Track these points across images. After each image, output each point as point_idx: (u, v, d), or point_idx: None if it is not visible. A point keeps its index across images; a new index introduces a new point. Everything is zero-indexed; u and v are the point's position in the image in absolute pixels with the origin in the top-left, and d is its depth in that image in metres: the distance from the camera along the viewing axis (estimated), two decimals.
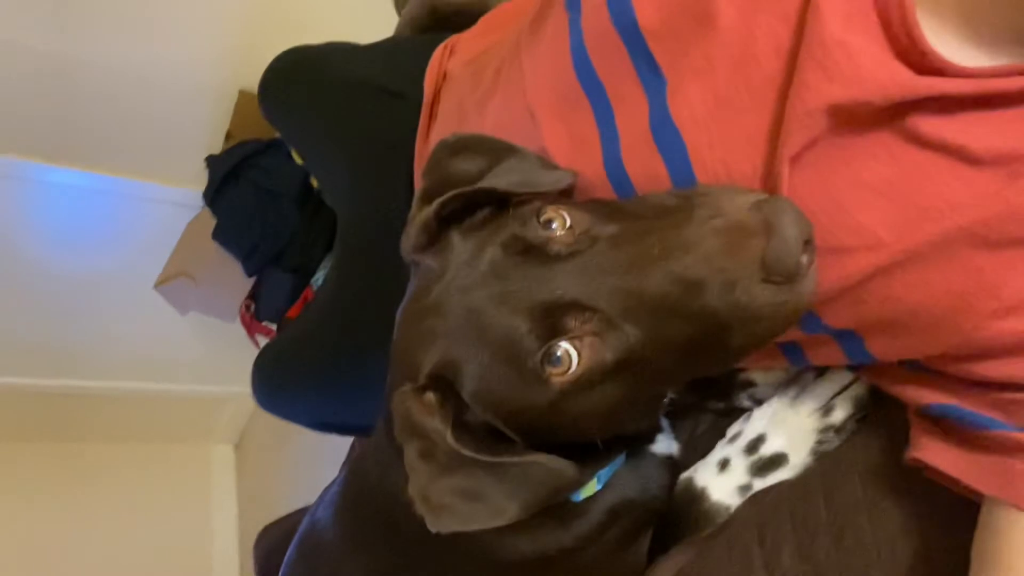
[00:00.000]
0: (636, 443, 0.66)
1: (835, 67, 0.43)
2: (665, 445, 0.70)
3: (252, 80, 1.96)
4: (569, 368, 0.46)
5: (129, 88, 1.81)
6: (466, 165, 0.58)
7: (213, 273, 1.94)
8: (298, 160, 1.87)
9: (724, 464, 0.67)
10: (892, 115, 0.44)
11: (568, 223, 0.49)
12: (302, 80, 1.12)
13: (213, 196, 1.83)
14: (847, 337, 0.53)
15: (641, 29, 0.52)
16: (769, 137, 0.47)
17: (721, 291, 0.42)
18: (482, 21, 0.91)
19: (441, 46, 0.94)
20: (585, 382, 0.47)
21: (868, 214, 0.46)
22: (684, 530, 0.69)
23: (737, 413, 0.71)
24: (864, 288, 0.48)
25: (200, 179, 2.00)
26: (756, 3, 0.48)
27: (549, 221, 0.49)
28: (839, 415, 0.62)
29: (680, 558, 0.68)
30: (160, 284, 1.92)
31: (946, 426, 0.51)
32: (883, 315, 0.49)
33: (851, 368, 0.62)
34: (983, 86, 0.42)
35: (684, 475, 0.70)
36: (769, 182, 0.48)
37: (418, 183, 0.93)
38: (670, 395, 0.69)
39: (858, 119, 0.45)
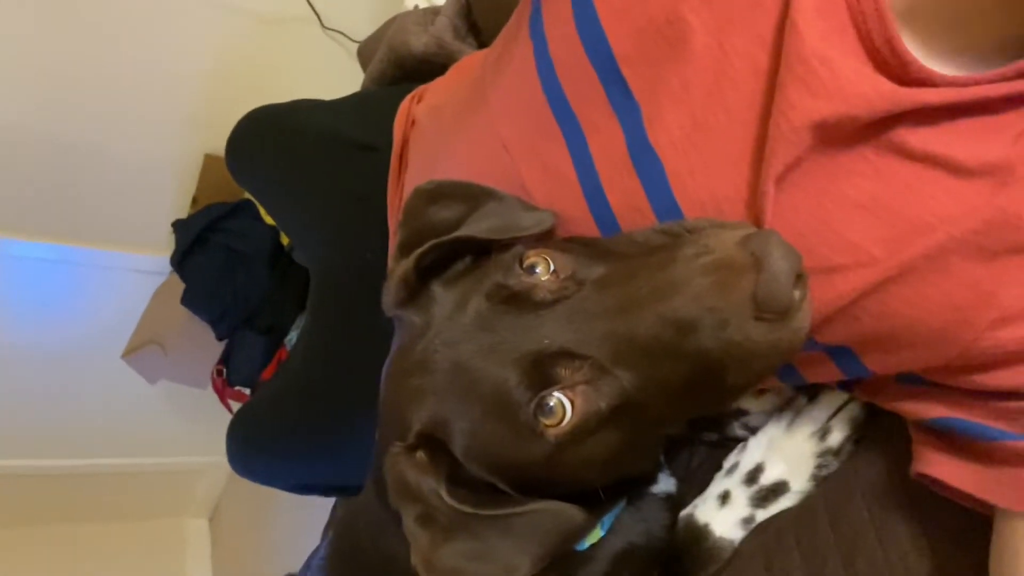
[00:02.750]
0: (638, 486, 0.64)
1: (817, 83, 0.43)
2: (664, 484, 0.68)
3: (217, 144, 1.96)
4: (563, 418, 0.45)
5: (92, 157, 1.80)
6: (443, 213, 0.57)
7: (182, 340, 1.89)
8: (267, 220, 1.86)
9: (724, 497, 0.65)
10: (876, 129, 0.44)
11: (552, 267, 0.48)
12: (270, 136, 1.11)
13: (180, 261, 1.80)
14: (842, 354, 0.52)
15: (614, 55, 0.52)
16: (752, 159, 0.47)
17: (713, 331, 0.41)
18: (452, 69, 0.92)
19: (409, 95, 0.94)
20: (581, 431, 0.45)
21: (857, 231, 0.46)
22: (690, 570, 0.66)
23: (731, 443, 0.70)
24: (858, 305, 0.47)
25: (167, 245, 1.97)
26: (729, 26, 0.48)
27: (532, 266, 0.48)
28: (836, 437, 0.61)
29: None
30: (128, 354, 1.87)
31: (951, 439, 0.50)
32: (879, 331, 0.48)
33: (844, 387, 0.61)
34: (967, 94, 0.42)
35: (684, 512, 0.68)
36: (754, 205, 0.48)
37: (392, 233, 0.93)
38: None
39: (842, 135, 0.45)
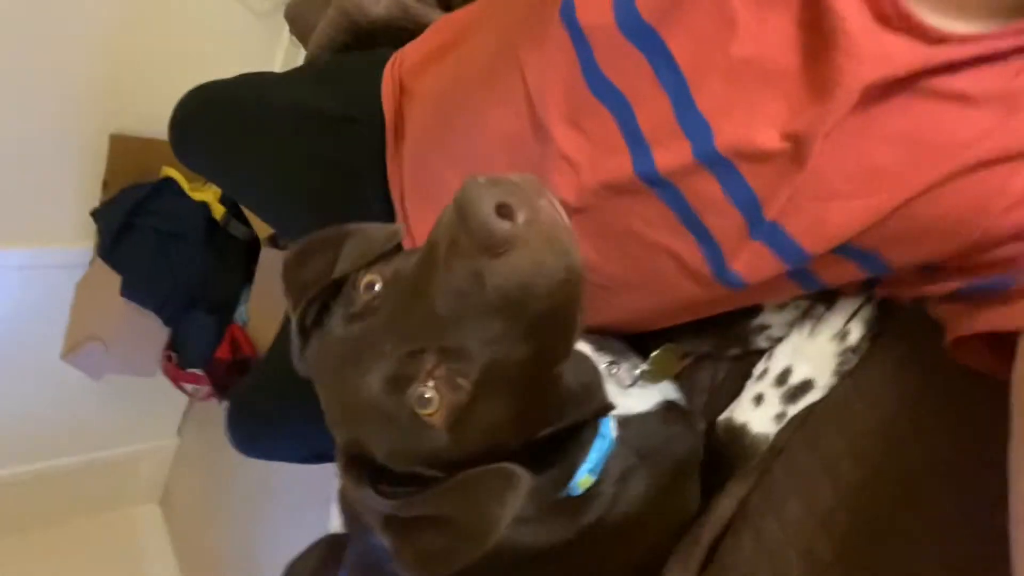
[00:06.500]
0: (589, 423, 0.65)
1: (860, 51, 0.51)
2: (649, 397, 0.75)
3: (123, 123, 1.85)
4: (439, 405, 0.49)
5: None
6: (315, 266, 0.61)
7: (123, 332, 1.83)
8: (194, 196, 1.79)
9: (759, 399, 0.76)
10: (908, 81, 0.53)
11: (382, 281, 0.53)
12: (228, 113, 1.06)
13: (110, 251, 1.72)
14: (863, 255, 0.61)
15: (660, 37, 0.58)
16: (790, 117, 0.55)
17: (479, 287, 0.44)
18: (432, 32, 0.92)
19: (388, 64, 0.94)
20: (462, 408, 0.49)
21: (892, 162, 0.54)
22: (733, 466, 0.77)
23: (753, 356, 0.80)
24: (888, 218, 0.56)
25: (80, 235, 1.87)
26: (763, 5, 0.55)
27: (371, 284, 0.53)
28: (854, 336, 0.72)
29: (738, 489, 0.76)
30: (68, 354, 1.79)
31: (971, 301, 0.58)
32: (901, 233, 0.57)
33: (867, 285, 0.70)
34: (982, 48, 0.51)
35: (722, 417, 0.78)
36: (798, 154, 0.55)
37: (398, 206, 0.94)
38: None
39: (879, 91, 0.53)
